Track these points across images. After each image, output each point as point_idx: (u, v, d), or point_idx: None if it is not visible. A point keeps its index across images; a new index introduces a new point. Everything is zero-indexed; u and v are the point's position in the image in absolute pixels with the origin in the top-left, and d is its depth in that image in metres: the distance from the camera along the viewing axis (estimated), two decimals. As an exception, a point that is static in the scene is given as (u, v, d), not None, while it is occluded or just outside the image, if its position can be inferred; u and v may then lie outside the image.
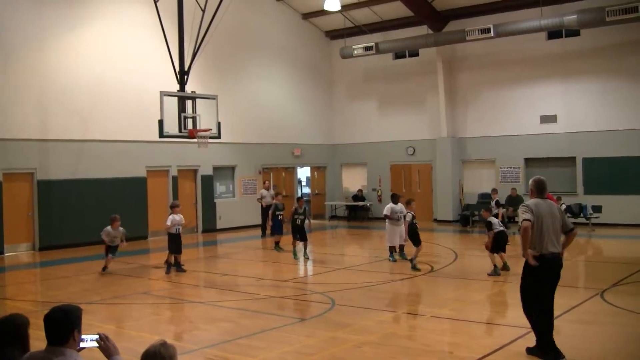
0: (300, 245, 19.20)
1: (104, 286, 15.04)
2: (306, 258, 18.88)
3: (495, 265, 15.55)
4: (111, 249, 16.93)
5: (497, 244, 15.65)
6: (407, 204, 17.46)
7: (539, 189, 8.63)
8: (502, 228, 15.98)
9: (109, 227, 16.90)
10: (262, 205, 25.00)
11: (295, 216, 19.19)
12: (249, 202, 25.63)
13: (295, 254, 19.13)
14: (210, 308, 12.68)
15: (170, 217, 17.09)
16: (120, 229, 17.01)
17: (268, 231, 22.12)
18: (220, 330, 10.70)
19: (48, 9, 21.96)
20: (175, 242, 16.96)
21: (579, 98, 26.16)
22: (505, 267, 15.57)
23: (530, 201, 8.53)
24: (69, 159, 22.44)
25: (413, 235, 16.98)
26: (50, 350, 4.46)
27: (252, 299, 13.54)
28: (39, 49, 21.69)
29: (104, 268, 16.85)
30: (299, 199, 20.26)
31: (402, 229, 17.37)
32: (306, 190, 34.56)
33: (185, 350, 9.23)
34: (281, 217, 21.38)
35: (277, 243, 21.05)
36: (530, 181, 8.80)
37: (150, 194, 24.67)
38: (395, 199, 18.29)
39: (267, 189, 25.05)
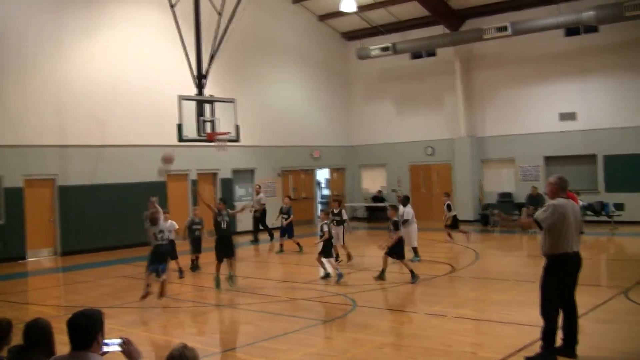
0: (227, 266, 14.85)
1: (125, 291, 15.10)
2: (232, 285, 14.65)
3: (383, 270, 15.17)
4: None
5: (394, 248, 15.12)
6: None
7: (563, 187, 8.53)
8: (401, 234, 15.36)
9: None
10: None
11: (219, 218, 15.00)
12: (269, 204, 25.55)
13: (218, 282, 14.69)
14: (232, 311, 12.71)
15: None
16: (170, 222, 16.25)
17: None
18: (242, 333, 10.73)
19: (65, 15, 22.15)
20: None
21: (599, 95, 25.95)
22: (382, 276, 15.12)
23: (556, 201, 8.39)
24: (88, 165, 22.60)
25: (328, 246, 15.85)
26: (74, 355, 4.48)
27: (273, 301, 13.55)
28: (56, 55, 21.88)
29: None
30: (221, 200, 16.35)
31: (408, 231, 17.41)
32: (326, 192, 34.55)
33: (207, 353, 9.24)
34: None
35: (281, 246, 21.18)
36: (553, 179, 8.58)
37: (171, 198, 24.73)
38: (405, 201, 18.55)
39: (257, 193, 24.76)
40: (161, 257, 12.95)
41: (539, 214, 8.39)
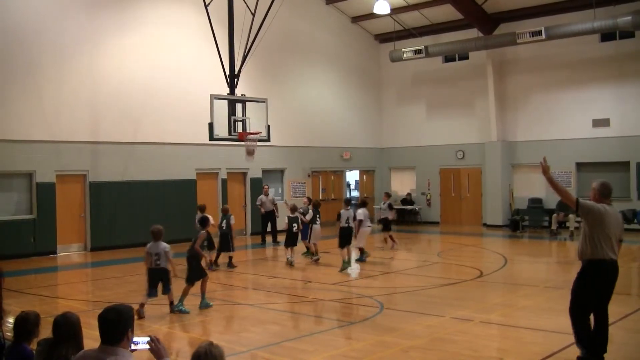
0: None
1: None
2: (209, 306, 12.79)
3: (343, 261, 17.14)
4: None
5: (343, 239, 17.37)
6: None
7: (605, 194, 8.41)
8: (347, 225, 17.57)
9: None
10: (261, 212, 24.46)
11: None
12: (298, 205, 25.54)
13: (181, 304, 12.49)
14: (258, 310, 12.74)
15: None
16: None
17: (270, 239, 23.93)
18: (268, 332, 10.75)
19: (99, 13, 22.39)
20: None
21: (634, 101, 25.58)
22: (344, 267, 17.10)
23: (600, 205, 8.30)
24: (120, 161, 22.81)
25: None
26: (104, 350, 4.54)
27: (300, 301, 13.58)
28: (90, 53, 22.11)
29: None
30: (204, 219, 14.34)
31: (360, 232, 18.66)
32: (355, 193, 34.51)
33: (233, 352, 9.28)
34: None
35: (308, 249, 20.23)
36: (596, 184, 8.49)
37: (200, 196, 24.85)
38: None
39: (267, 194, 24.54)
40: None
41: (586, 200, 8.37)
